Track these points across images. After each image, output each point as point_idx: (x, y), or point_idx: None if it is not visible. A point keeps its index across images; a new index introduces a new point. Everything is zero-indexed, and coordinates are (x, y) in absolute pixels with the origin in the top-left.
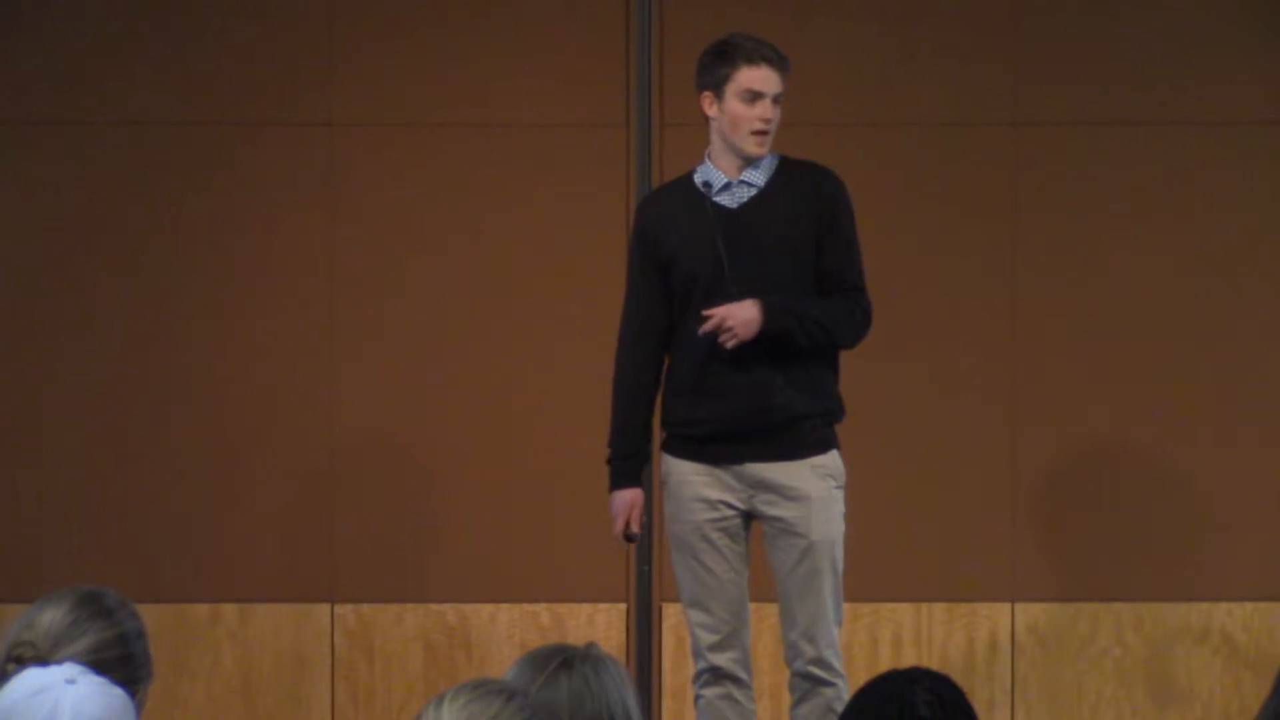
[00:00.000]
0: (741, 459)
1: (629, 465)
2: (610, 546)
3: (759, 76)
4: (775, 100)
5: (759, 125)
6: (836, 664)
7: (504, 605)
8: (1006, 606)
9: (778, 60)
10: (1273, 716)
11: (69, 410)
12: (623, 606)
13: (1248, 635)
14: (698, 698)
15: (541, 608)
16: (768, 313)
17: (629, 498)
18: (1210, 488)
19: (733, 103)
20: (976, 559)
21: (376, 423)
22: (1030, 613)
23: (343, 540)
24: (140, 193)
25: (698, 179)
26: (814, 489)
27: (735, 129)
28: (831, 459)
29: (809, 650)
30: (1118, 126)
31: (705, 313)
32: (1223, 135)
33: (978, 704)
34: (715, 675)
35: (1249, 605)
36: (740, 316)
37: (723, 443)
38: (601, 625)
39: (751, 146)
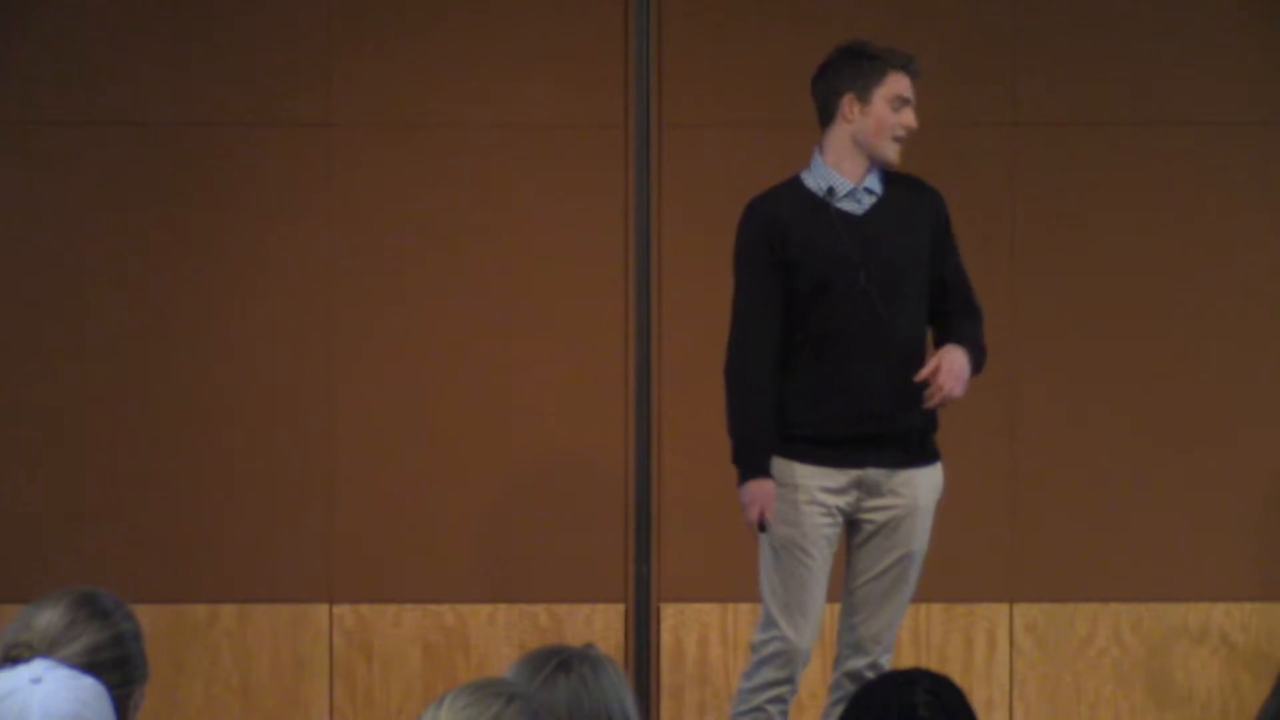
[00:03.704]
0: (864, 464)
1: (764, 457)
2: (609, 547)
3: (907, 84)
4: (914, 109)
5: (901, 132)
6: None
7: (502, 606)
8: (1005, 607)
9: (916, 71)
10: (1272, 717)
11: (68, 410)
12: (621, 607)
13: (1246, 636)
14: (757, 709)
15: (540, 608)
16: (970, 358)
17: (765, 487)
18: (1210, 488)
19: (880, 107)
20: (974, 559)
21: (375, 423)
22: (1028, 613)
23: (341, 541)
24: (140, 193)
25: (812, 184)
26: (924, 499)
27: (879, 133)
28: (939, 470)
29: (874, 653)
30: (1117, 126)
31: (925, 376)
32: (1223, 135)
33: (976, 704)
34: (791, 690)
35: (1247, 605)
36: (960, 375)
37: (846, 446)
38: (600, 626)
39: (892, 153)
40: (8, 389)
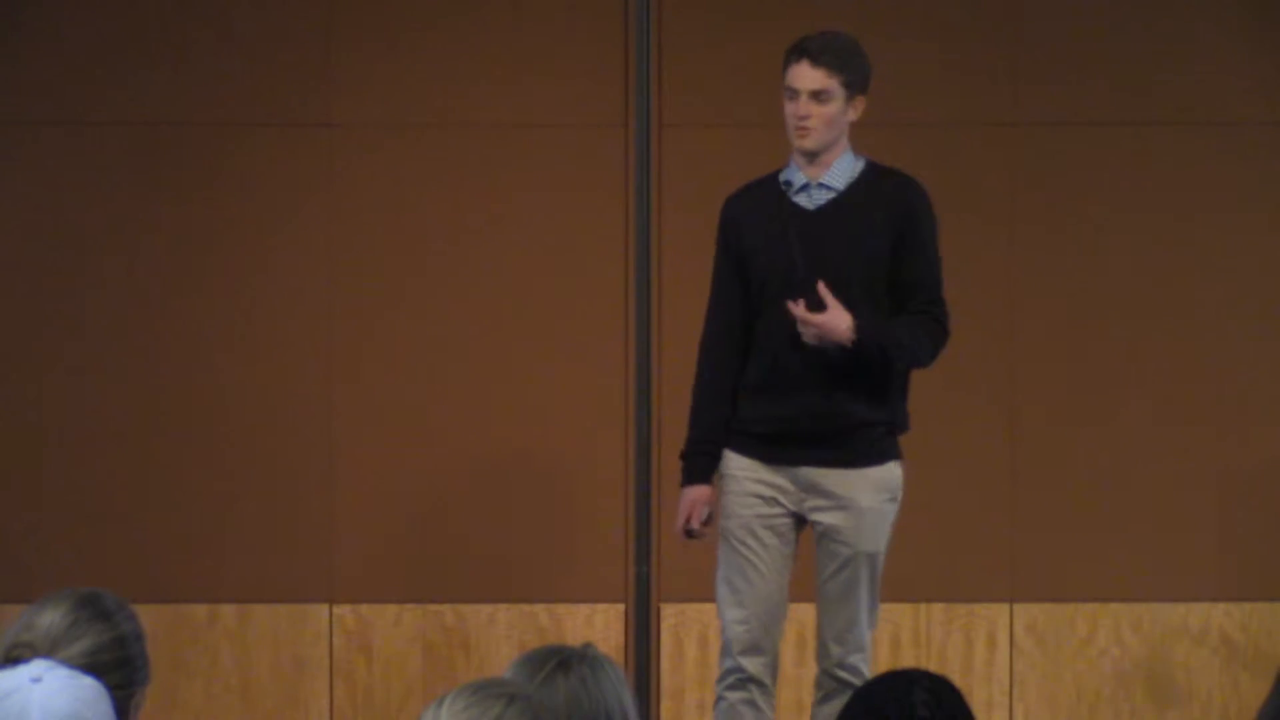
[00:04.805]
0: (797, 462)
1: (698, 462)
2: (609, 547)
3: (794, 73)
4: (815, 96)
5: (793, 122)
6: (864, 669)
7: (502, 606)
8: (1005, 607)
9: (817, 54)
10: (1272, 717)
11: (68, 410)
12: (621, 607)
13: (1245, 635)
14: (719, 698)
15: (540, 608)
16: (859, 336)
17: (693, 494)
18: (1210, 488)
19: (784, 101)
20: (975, 559)
21: (375, 423)
22: (1028, 613)
23: (341, 541)
24: (140, 193)
25: (782, 177)
26: (866, 500)
27: (787, 127)
28: (888, 471)
29: (838, 653)
30: (1117, 126)
31: (801, 315)
32: (1222, 135)
33: (976, 704)
34: (741, 679)
35: (1247, 605)
36: (832, 328)
37: (780, 443)
38: (600, 626)
39: (795, 141)
40: (8, 388)
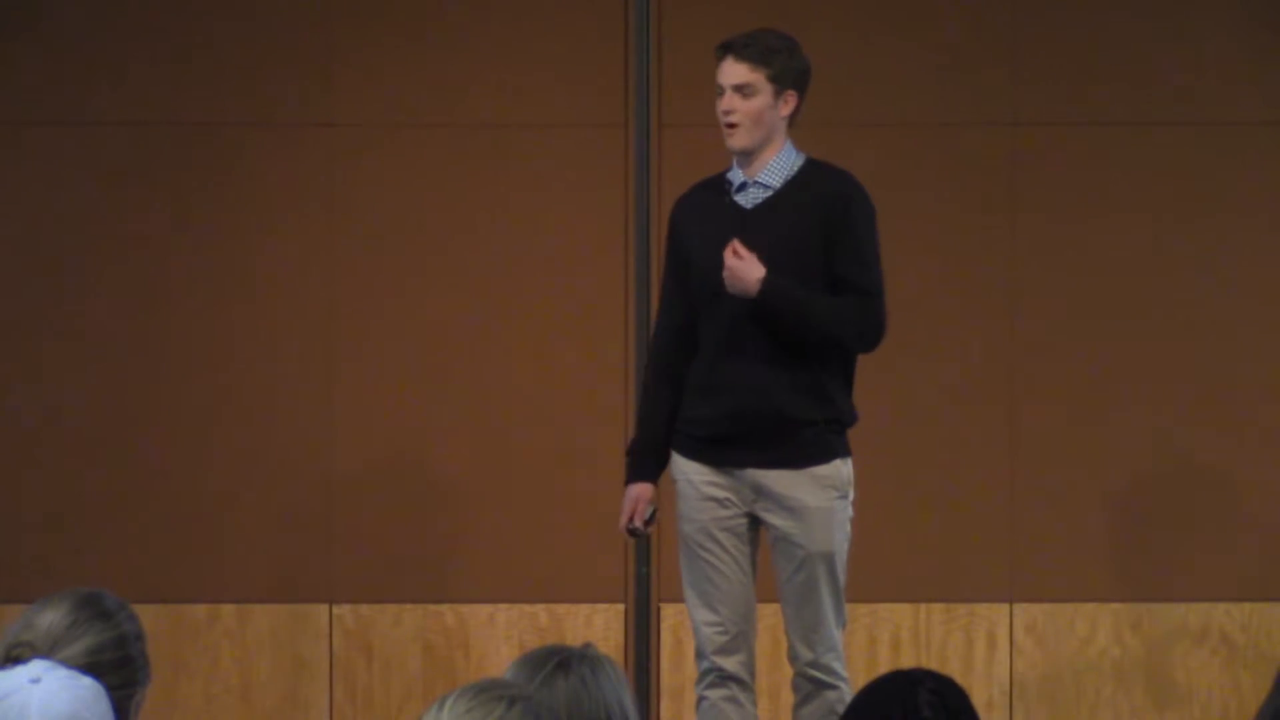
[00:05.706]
0: (742, 463)
1: (640, 460)
2: (609, 547)
3: (720, 70)
4: (738, 90)
5: (721, 119)
6: (838, 667)
7: (502, 606)
8: (1005, 607)
9: (740, 49)
10: (1271, 717)
11: (68, 410)
12: (621, 607)
13: (1246, 635)
14: (701, 699)
15: (540, 608)
16: (765, 290)
17: (634, 492)
18: (1209, 487)
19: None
20: (975, 559)
21: (375, 423)
22: (1029, 613)
23: (341, 541)
24: (140, 193)
25: (728, 176)
26: (812, 499)
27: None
28: (834, 468)
29: (807, 654)
30: (1118, 126)
31: (726, 255)
32: (1223, 135)
33: (976, 705)
34: (720, 677)
35: (1247, 605)
36: (742, 276)
37: (723, 445)
38: (600, 626)
39: (726, 140)
40: (7, 388)
